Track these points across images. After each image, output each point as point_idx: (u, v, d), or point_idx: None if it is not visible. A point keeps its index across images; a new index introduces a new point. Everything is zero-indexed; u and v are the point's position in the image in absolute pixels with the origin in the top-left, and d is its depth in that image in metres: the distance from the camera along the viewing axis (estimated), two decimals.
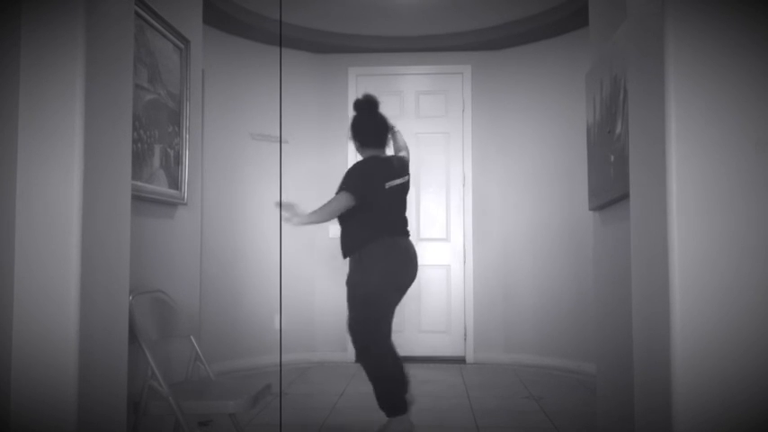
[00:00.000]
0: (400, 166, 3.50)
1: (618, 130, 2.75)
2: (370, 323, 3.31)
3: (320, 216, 3.28)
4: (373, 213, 3.34)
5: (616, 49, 2.77)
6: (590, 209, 3.33)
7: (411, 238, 3.51)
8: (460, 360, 5.78)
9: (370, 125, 3.49)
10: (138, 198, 2.67)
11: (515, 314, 5.71)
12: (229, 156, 5.40)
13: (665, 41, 1.87)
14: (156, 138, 2.89)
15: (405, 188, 3.48)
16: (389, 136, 3.55)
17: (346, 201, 3.28)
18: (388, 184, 3.37)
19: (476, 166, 5.87)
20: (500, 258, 5.80)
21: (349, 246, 3.40)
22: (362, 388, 4.63)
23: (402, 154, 3.67)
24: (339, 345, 5.79)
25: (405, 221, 3.47)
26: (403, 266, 3.37)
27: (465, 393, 4.47)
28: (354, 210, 3.31)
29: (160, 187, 2.91)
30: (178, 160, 3.10)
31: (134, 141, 2.64)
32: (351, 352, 5.81)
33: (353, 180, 3.33)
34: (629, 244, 2.43)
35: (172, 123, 3.05)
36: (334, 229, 5.87)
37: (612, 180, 2.85)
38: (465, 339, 5.81)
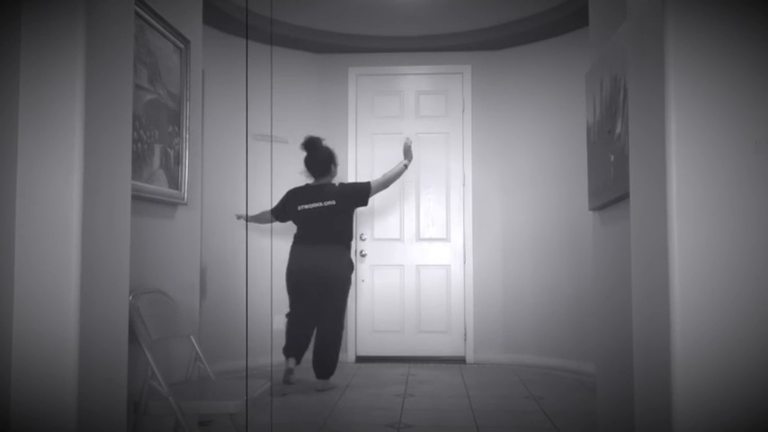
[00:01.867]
0: (322, 193, 4.62)
1: (618, 130, 2.75)
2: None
3: (256, 219, 4.88)
4: (295, 227, 4.69)
5: (616, 49, 2.77)
6: (590, 209, 3.33)
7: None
8: (460, 360, 5.78)
9: (310, 162, 4.72)
10: (138, 198, 2.67)
11: (515, 314, 5.71)
12: (229, 156, 5.39)
13: (665, 41, 1.87)
14: (156, 138, 2.89)
15: (321, 210, 4.58)
16: (333, 166, 4.76)
17: (266, 215, 4.79)
18: (300, 207, 4.60)
19: (476, 166, 5.87)
20: (500, 258, 5.80)
21: None
22: (362, 388, 4.63)
23: (402, 164, 4.83)
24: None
25: (322, 233, 4.58)
26: (300, 266, 4.57)
27: (465, 393, 4.47)
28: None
29: (160, 187, 2.91)
30: (178, 160, 3.10)
31: (134, 141, 2.64)
32: (351, 352, 5.83)
33: (278, 203, 4.77)
34: (629, 244, 2.43)
35: (172, 123, 3.05)
36: None
37: (612, 180, 2.85)
38: (465, 339, 5.81)
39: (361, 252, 5.86)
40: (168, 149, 3.00)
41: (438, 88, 5.96)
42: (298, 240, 4.64)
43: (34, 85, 1.94)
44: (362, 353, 5.83)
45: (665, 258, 1.86)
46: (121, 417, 2.18)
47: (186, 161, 3.15)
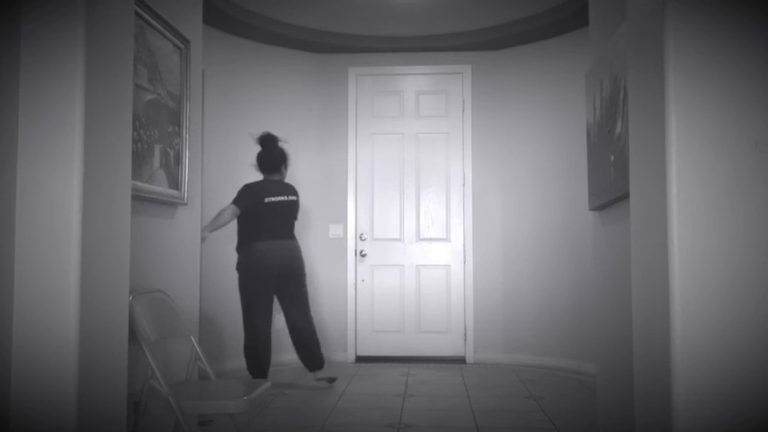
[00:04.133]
0: (284, 188, 4.72)
1: (618, 130, 2.75)
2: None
3: (214, 226, 4.49)
4: (255, 221, 4.57)
5: (616, 49, 2.77)
6: (590, 209, 3.33)
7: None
8: (460, 360, 5.78)
9: (264, 158, 4.72)
10: (138, 198, 2.67)
11: (515, 314, 5.71)
12: (229, 156, 5.40)
13: (665, 41, 1.87)
14: (156, 138, 2.89)
15: (285, 204, 4.66)
16: (284, 167, 4.80)
17: (233, 212, 4.53)
18: (267, 200, 4.58)
19: (476, 166, 5.87)
20: (500, 258, 5.80)
21: (239, 243, 4.63)
22: (362, 388, 4.63)
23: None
24: (339, 345, 5.79)
25: (286, 227, 4.67)
26: (276, 261, 4.55)
27: (465, 393, 4.47)
28: (243, 216, 4.58)
29: (160, 187, 2.91)
30: (178, 160, 3.10)
31: (134, 141, 2.64)
32: (351, 352, 5.83)
33: (241, 197, 4.57)
34: (629, 244, 2.43)
35: (172, 123, 3.05)
36: (334, 229, 5.88)
37: (612, 180, 2.85)
38: (465, 339, 5.81)
39: (361, 252, 5.86)
40: (168, 149, 3.00)
41: (438, 88, 5.96)
42: (267, 235, 4.55)
43: (34, 85, 1.94)
44: (362, 353, 5.83)
45: (665, 258, 1.86)
46: (121, 417, 2.18)
47: (186, 161, 3.15)
